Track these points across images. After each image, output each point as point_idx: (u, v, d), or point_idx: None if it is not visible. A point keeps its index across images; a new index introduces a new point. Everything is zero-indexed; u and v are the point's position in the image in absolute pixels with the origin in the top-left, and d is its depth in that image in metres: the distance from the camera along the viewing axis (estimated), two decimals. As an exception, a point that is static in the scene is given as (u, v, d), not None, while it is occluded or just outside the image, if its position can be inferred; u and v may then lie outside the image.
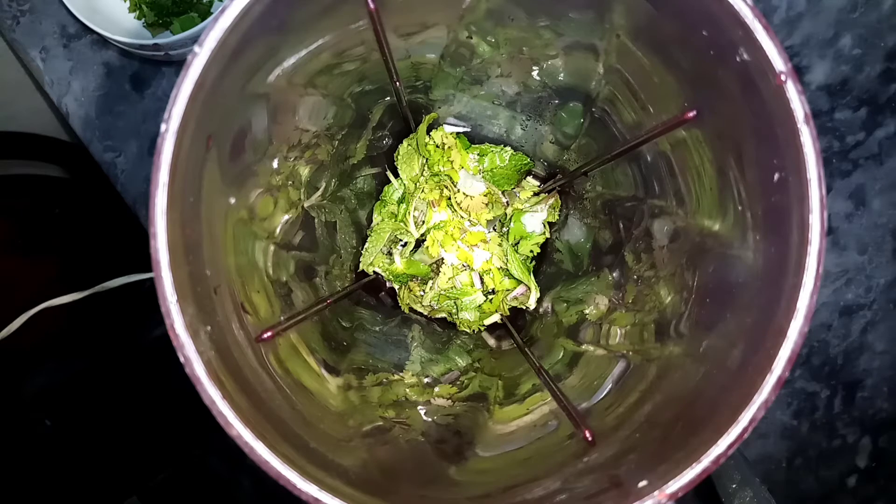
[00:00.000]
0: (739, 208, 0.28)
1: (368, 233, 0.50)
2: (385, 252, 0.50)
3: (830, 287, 0.56)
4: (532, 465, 0.33)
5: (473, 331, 0.50)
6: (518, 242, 0.49)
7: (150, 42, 0.49)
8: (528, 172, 0.50)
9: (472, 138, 0.49)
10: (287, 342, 0.34)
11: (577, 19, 0.33)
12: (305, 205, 0.40)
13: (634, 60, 0.32)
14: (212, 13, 0.56)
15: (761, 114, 0.25)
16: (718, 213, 0.30)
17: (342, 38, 0.33)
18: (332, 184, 0.44)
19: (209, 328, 0.25)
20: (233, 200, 0.31)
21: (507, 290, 0.49)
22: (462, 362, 0.45)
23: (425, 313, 0.51)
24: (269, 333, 0.31)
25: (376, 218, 0.50)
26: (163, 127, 0.24)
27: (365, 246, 0.49)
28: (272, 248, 0.36)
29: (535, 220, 0.49)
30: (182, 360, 0.24)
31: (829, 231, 0.56)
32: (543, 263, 0.50)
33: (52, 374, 0.73)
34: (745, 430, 0.24)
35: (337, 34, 0.32)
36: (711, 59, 0.26)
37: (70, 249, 0.77)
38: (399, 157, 0.49)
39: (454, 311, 0.49)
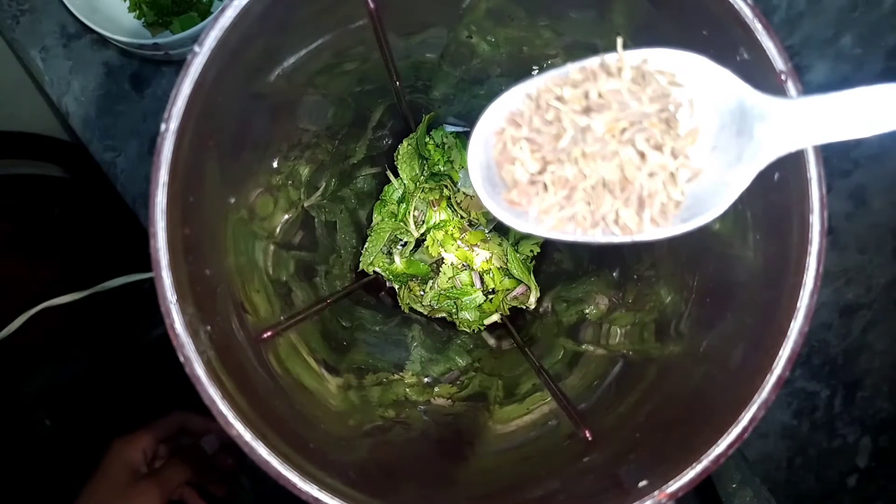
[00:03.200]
0: (739, 207, 0.28)
1: (368, 232, 0.50)
2: (385, 252, 0.50)
3: (831, 287, 0.56)
4: (532, 464, 0.33)
5: (473, 330, 0.49)
6: (518, 242, 0.49)
7: (150, 42, 0.49)
8: (529, 172, 0.50)
9: (472, 138, 0.49)
10: (287, 342, 0.34)
11: (577, 19, 0.33)
12: (305, 204, 0.40)
13: (634, 60, 0.32)
14: (212, 13, 0.56)
15: (762, 113, 0.25)
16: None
17: (342, 37, 0.33)
18: (332, 183, 0.44)
19: (209, 328, 0.25)
20: (233, 200, 0.31)
21: (507, 289, 0.49)
22: (462, 362, 0.45)
23: (425, 313, 0.51)
24: (269, 333, 0.31)
25: (376, 217, 0.50)
26: (163, 126, 0.24)
27: (365, 246, 0.49)
28: (272, 247, 0.36)
29: (535, 220, 0.49)
30: (182, 359, 0.24)
31: (830, 231, 0.56)
32: (543, 263, 0.50)
33: (52, 373, 0.73)
34: (745, 429, 0.24)
35: (337, 34, 0.32)
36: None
37: (70, 249, 0.77)
38: (399, 157, 0.49)
39: (454, 310, 0.49)
